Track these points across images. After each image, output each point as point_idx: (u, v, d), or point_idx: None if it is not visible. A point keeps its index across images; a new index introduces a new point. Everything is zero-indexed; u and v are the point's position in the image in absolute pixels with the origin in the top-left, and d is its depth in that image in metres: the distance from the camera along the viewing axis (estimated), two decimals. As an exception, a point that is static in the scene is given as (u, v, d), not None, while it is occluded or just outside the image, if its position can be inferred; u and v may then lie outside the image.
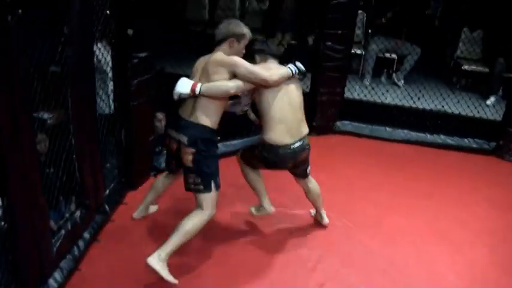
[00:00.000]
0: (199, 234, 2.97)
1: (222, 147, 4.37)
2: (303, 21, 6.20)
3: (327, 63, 4.82)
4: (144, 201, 3.50)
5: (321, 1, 4.72)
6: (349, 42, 4.94)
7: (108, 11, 3.13)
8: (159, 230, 3.37)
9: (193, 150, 2.83)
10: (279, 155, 3.07)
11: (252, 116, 5.11)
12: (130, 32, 3.26)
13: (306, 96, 4.98)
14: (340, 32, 4.74)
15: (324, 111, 5.02)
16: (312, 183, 3.40)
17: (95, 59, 3.17)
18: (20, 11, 2.15)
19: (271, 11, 6.58)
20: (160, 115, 4.49)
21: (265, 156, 3.12)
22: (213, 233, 3.35)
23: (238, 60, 2.86)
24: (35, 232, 2.52)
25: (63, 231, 2.91)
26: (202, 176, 2.87)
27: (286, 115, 3.04)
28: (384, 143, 5.13)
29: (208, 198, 2.90)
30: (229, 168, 3.53)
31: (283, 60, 3.18)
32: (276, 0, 6.54)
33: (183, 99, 2.91)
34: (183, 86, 2.84)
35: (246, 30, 2.93)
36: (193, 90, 2.81)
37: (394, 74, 6.22)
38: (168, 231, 2.91)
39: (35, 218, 2.49)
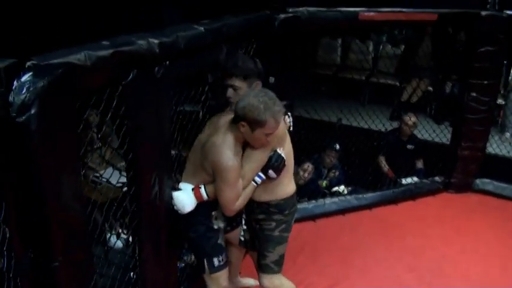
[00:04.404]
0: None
1: (354, 200, 4.21)
2: (440, 67, 5.85)
3: (470, 115, 4.44)
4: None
5: (467, 48, 4.39)
6: (495, 93, 4.54)
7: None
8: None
9: None
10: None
11: (386, 168, 4.88)
12: (272, 80, 3.24)
13: (446, 149, 4.69)
14: (486, 82, 4.35)
15: (464, 167, 4.60)
16: None
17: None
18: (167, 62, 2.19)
19: (406, 56, 6.26)
20: (308, 166, 4.39)
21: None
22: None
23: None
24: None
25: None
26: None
27: None
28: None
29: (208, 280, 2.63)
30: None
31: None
32: (412, 44, 6.23)
33: None
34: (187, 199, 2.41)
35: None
36: (199, 198, 2.42)
37: None
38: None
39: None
